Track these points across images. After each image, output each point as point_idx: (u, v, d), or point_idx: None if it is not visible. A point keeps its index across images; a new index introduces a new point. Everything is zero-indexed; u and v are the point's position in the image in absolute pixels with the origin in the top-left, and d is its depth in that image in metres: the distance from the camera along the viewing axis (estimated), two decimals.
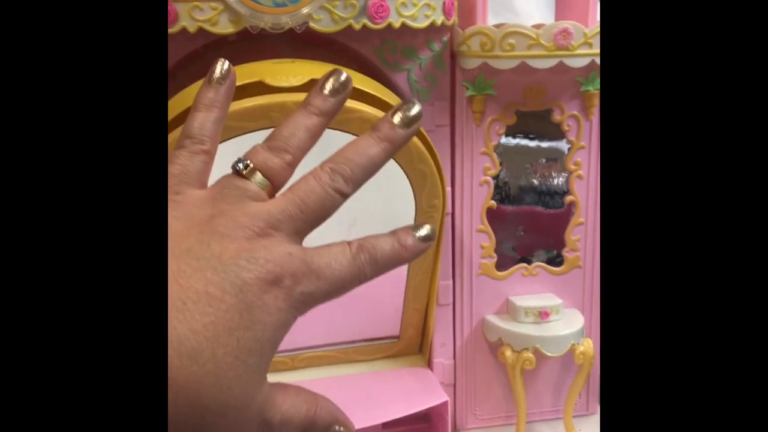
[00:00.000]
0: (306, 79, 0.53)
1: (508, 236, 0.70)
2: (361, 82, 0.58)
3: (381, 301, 0.70)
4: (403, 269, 0.67)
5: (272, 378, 0.74)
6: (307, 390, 0.35)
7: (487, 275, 0.70)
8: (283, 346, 0.70)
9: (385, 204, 0.65)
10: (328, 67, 0.59)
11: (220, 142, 0.53)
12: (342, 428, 0.35)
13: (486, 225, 0.68)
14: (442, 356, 0.71)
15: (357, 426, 0.36)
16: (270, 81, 0.52)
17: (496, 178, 0.68)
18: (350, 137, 0.56)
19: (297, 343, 0.70)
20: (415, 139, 0.58)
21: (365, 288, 0.69)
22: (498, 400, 0.74)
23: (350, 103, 0.55)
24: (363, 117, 0.56)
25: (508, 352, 0.69)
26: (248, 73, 0.53)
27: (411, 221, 0.63)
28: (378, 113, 0.56)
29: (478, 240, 0.69)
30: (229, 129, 0.52)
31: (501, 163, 0.68)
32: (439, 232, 0.65)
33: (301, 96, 0.53)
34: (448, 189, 0.66)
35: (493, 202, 0.68)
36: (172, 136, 0.52)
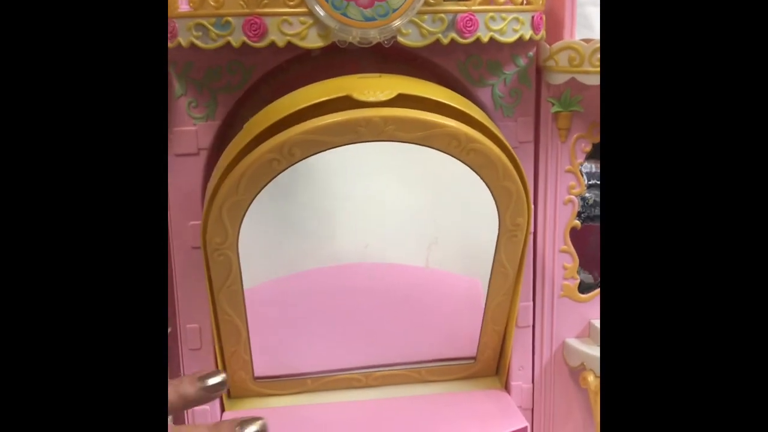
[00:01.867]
0: (393, 94, 0.52)
1: (592, 257, 0.68)
2: (445, 95, 0.57)
3: (458, 321, 0.68)
4: (482, 290, 0.65)
5: (346, 396, 0.73)
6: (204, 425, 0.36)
7: (569, 297, 0.67)
8: (357, 362, 0.69)
9: (467, 222, 0.63)
10: (415, 82, 0.58)
11: (307, 157, 0.53)
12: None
13: (569, 245, 0.66)
14: (520, 379, 0.69)
15: None
16: (357, 96, 0.51)
17: (581, 197, 0.65)
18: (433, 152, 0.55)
19: (371, 360, 0.69)
20: (502, 155, 0.56)
21: (442, 306, 0.68)
22: (577, 426, 0.71)
23: (433, 117, 0.54)
24: (447, 132, 0.54)
25: (591, 378, 0.66)
26: (334, 87, 0.53)
27: (493, 240, 0.61)
28: (462, 127, 0.55)
29: (561, 261, 0.67)
30: (316, 144, 0.51)
31: (587, 182, 0.65)
32: (522, 252, 0.63)
33: (387, 111, 0.53)
34: (532, 207, 0.64)
35: (577, 221, 0.66)
36: (259, 151, 0.52)
